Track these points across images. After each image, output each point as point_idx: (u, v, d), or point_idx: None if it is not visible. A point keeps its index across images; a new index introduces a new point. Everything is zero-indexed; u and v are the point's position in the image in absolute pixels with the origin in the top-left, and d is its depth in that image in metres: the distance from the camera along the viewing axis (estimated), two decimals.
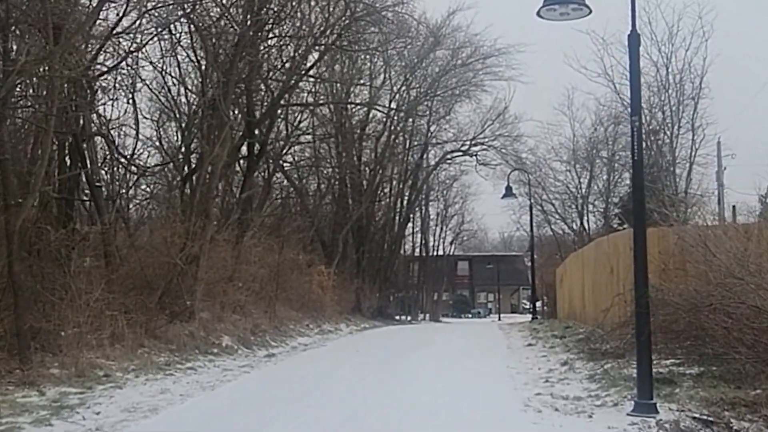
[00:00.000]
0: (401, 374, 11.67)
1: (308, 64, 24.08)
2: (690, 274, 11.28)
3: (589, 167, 36.82)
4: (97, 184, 14.40)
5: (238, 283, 17.23)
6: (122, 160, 15.64)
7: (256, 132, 23.35)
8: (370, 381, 10.86)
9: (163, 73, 19.82)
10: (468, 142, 40.33)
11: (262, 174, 27.17)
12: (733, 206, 13.52)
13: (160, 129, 21.68)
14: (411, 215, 42.27)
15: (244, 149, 23.10)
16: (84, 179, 14.40)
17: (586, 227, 36.47)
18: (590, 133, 35.37)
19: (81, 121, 14.24)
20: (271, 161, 26.61)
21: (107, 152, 16.37)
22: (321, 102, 28.62)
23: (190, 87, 21.42)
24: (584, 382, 10.08)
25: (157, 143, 20.93)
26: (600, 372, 10.50)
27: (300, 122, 28.36)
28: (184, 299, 13.99)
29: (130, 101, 16.15)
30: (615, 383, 9.57)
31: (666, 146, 29.88)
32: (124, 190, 15.97)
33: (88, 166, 14.22)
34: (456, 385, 10.45)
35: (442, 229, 49.67)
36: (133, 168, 16.24)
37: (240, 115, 22.83)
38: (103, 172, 16.47)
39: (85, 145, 13.87)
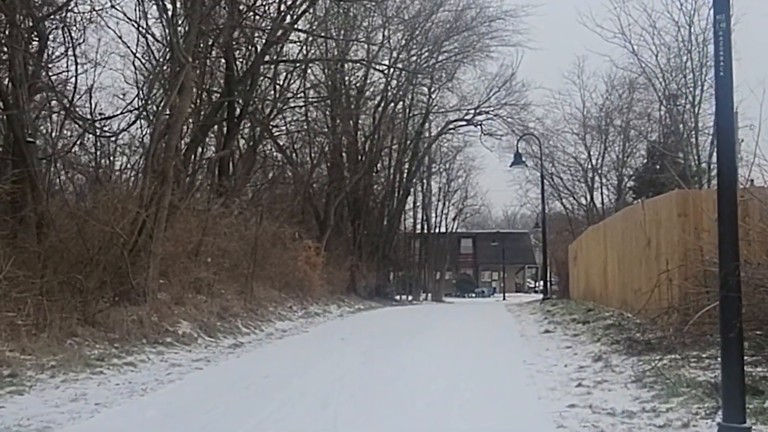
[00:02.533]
0: (391, 374, 9.18)
1: (297, 14, 21.66)
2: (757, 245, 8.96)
3: (602, 138, 34.77)
4: (29, 139, 11.88)
5: (206, 258, 14.74)
6: (60, 111, 13.07)
7: (238, 91, 20.99)
8: (351, 383, 8.41)
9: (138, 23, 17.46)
10: (472, 111, 38.02)
11: (249, 141, 24.92)
12: (751, 180, 11.25)
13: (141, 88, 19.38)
14: (411, 189, 39.91)
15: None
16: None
17: (597, 202, 34.45)
18: (603, 100, 33.37)
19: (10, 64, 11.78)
20: (257, 126, 24.22)
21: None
22: (312, 58, 25.96)
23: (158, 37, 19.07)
24: (631, 388, 7.60)
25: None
26: (649, 372, 8.03)
27: (289, 83, 25.87)
28: (132, 277, 11.51)
29: (71, 45, 13.58)
30: (675, 391, 7.08)
31: (687, 113, 27.44)
32: (60, 147, 13.40)
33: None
34: (461, 391, 7.95)
35: (444, 204, 47.48)
36: (78, 121, 13.66)
37: (217, 71, 20.49)
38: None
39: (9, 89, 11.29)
